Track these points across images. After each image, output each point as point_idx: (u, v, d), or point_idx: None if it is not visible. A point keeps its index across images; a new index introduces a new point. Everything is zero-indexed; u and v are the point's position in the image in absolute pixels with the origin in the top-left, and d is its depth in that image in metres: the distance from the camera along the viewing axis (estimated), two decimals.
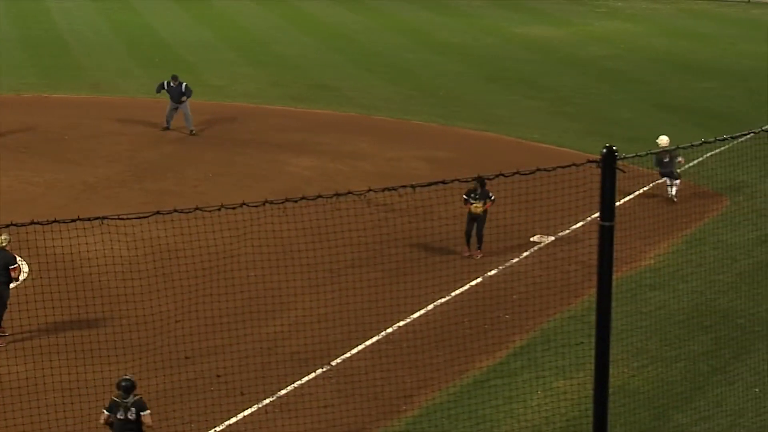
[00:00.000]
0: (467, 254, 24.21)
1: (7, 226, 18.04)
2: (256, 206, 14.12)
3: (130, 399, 16.16)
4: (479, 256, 24.20)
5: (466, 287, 23.07)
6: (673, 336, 20.91)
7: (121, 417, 16.13)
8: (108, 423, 16.32)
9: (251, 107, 36.90)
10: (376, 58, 45.42)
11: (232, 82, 40.15)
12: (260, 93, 39.00)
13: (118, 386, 16.25)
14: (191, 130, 33.27)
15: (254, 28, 50.50)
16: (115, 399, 16.21)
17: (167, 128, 33.54)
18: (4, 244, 20.46)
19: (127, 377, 16.38)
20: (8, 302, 20.37)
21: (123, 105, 36.96)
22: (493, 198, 24.02)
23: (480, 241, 24.32)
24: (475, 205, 24.06)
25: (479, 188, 23.90)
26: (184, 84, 33.17)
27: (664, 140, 27.96)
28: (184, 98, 33.12)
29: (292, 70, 42.92)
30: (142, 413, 16.14)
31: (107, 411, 16.24)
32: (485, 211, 24.16)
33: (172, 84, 33.30)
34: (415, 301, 22.04)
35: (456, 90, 40.65)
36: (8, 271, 20.26)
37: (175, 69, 38.40)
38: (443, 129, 35.36)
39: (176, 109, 33.31)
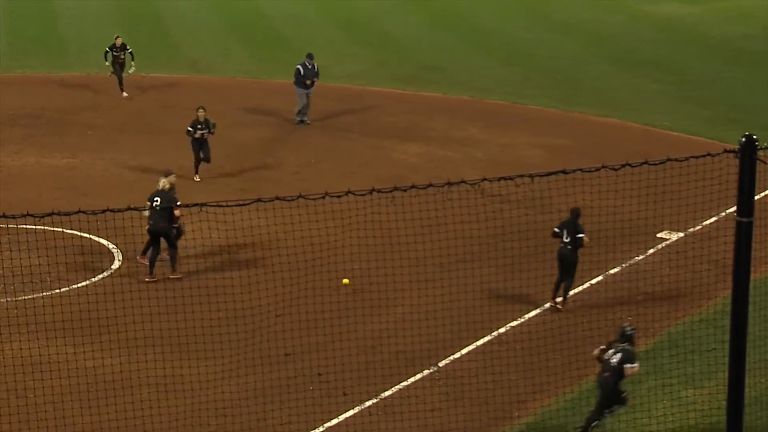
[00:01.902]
0: (552, 303, 21.95)
1: (103, 212, 18.44)
2: (362, 195, 14.25)
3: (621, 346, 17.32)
4: (562, 307, 21.83)
5: (586, 285, 22.90)
6: None
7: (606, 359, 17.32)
8: (600, 359, 17.51)
9: (355, 89, 37.07)
10: (490, 38, 45.22)
11: (335, 62, 40.28)
12: (365, 74, 39.15)
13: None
14: (303, 119, 33.18)
15: (359, 5, 50.58)
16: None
17: (303, 122, 33.18)
18: (167, 186, 22.99)
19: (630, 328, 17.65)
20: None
21: (222, 85, 37.40)
22: (583, 237, 21.53)
23: (567, 290, 21.89)
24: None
25: (570, 220, 21.74)
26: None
27: None
28: (316, 80, 32.98)
29: (400, 50, 42.97)
30: (626, 365, 17.21)
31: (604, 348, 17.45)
32: (575, 252, 21.61)
33: (308, 65, 33.01)
34: (530, 300, 21.98)
35: (575, 72, 40.33)
36: (172, 210, 22.59)
37: (277, 48, 38.93)
38: (561, 114, 35.11)
39: (309, 95, 32.91)
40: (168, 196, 23.03)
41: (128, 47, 34.85)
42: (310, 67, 32.83)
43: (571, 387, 19.11)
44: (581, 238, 21.54)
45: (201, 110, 28.17)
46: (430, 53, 42.61)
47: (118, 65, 34.87)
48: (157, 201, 22.96)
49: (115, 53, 34.79)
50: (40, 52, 41.45)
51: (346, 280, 21.89)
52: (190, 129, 27.99)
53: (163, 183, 23.29)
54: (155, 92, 34.30)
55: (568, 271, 21.64)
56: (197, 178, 27.97)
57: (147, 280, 22.68)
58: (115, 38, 35.12)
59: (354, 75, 38.77)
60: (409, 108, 35.33)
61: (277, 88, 35.86)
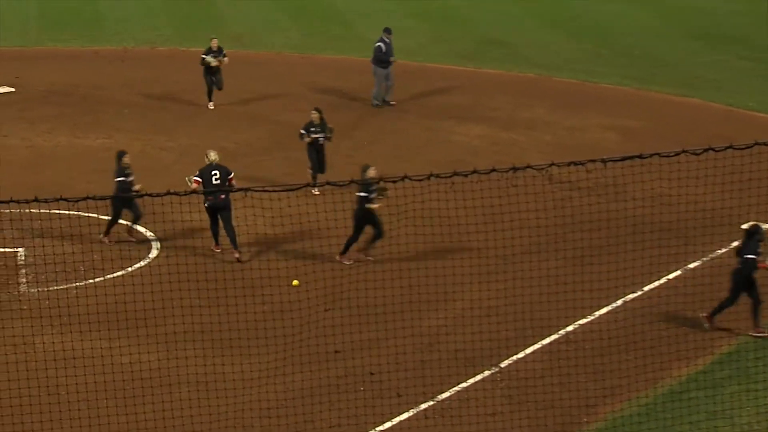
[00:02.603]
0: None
1: (141, 196, 18.64)
2: (419, 180, 14.26)
3: None
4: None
5: (662, 281, 22.75)
6: None
7: None
8: None
9: (411, 65, 36.90)
10: (558, 10, 44.96)
11: (395, 37, 40.25)
12: (421, 50, 39.06)
13: None
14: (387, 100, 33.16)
15: None
16: None
17: (387, 102, 33.09)
18: (218, 159, 23.59)
19: None
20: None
21: (267, 61, 37.50)
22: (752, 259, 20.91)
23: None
24: None
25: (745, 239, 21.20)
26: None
27: None
28: (393, 59, 32.90)
29: (459, 24, 42.88)
30: None
31: None
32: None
33: (387, 40, 32.87)
34: (601, 296, 21.79)
35: (653, 48, 39.99)
36: (230, 180, 23.38)
37: (327, 21, 38.87)
38: (636, 94, 34.89)
39: (390, 74, 32.82)
40: (224, 168, 23.50)
41: (224, 51, 32.35)
42: (389, 42, 32.75)
43: (645, 391, 19.01)
44: (751, 260, 20.86)
45: (315, 112, 26.99)
46: (492, 26, 42.47)
47: (211, 73, 32.42)
48: (215, 174, 23.32)
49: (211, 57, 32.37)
50: (74, 25, 41.69)
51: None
52: (302, 132, 26.94)
53: (213, 156, 23.62)
54: (196, 68, 34.30)
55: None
56: (315, 191, 24.93)
57: (214, 249, 23.37)
58: (211, 40, 32.66)
59: (410, 51, 38.55)
60: (469, 86, 35.26)
61: (327, 63, 35.88)
